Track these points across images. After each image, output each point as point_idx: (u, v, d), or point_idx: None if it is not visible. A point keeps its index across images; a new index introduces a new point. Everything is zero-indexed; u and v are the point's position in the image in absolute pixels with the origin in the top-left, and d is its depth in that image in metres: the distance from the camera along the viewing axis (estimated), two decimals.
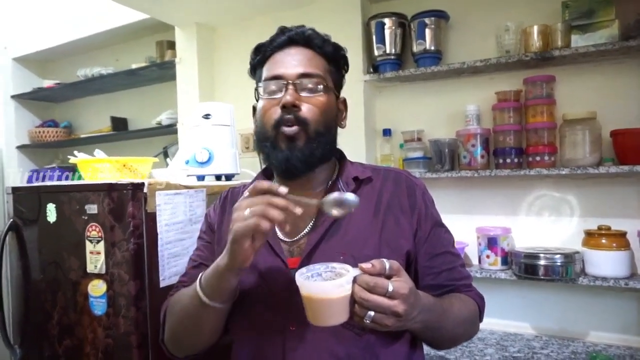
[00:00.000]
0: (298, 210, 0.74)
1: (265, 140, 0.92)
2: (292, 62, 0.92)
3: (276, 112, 0.90)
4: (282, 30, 0.96)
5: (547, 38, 1.72)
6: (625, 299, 1.67)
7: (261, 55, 0.96)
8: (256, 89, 0.97)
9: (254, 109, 1.00)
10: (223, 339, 0.97)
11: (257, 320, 0.88)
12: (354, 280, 0.69)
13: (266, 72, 0.94)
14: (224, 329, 0.94)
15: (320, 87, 0.92)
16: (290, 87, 0.89)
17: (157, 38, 2.69)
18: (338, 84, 0.99)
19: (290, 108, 0.88)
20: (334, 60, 0.97)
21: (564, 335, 1.76)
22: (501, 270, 1.76)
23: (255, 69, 0.99)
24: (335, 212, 0.77)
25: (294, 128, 0.89)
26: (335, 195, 0.78)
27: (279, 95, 0.90)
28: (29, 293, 1.49)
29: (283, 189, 0.74)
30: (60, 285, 1.39)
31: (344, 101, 1.01)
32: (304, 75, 0.91)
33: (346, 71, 1.02)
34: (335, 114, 0.96)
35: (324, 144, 0.92)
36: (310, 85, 0.91)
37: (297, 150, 0.89)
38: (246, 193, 0.77)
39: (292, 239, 0.91)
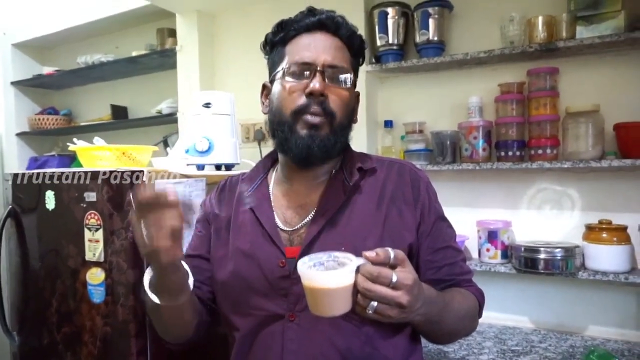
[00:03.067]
0: (188, 219, 0.76)
1: (282, 125, 0.87)
2: (320, 48, 0.87)
3: (300, 98, 0.86)
4: (311, 10, 0.91)
5: (551, 29, 1.70)
6: (625, 293, 1.67)
7: (284, 33, 0.91)
8: (270, 69, 0.93)
9: (264, 87, 0.97)
10: (218, 329, 0.97)
11: (256, 310, 0.88)
12: (357, 270, 0.67)
13: (291, 54, 0.89)
14: (208, 316, 0.95)
15: (349, 80, 0.89)
16: (319, 74, 0.85)
17: (158, 25, 2.65)
18: (356, 77, 0.96)
19: (317, 96, 0.84)
20: (357, 53, 0.95)
21: (562, 329, 1.76)
22: (501, 264, 1.76)
23: (274, 46, 0.94)
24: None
25: (320, 118, 0.85)
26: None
27: (304, 81, 0.86)
28: (27, 280, 1.49)
29: (172, 197, 0.73)
30: (59, 272, 1.39)
31: (358, 95, 0.98)
32: (333, 67, 0.87)
33: (361, 64, 0.98)
34: (354, 108, 0.95)
35: (345, 138, 0.91)
36: (338, 77, 0.88)
37: (319, 139, 0.86)
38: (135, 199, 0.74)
39: (292, 227, 0.90)
